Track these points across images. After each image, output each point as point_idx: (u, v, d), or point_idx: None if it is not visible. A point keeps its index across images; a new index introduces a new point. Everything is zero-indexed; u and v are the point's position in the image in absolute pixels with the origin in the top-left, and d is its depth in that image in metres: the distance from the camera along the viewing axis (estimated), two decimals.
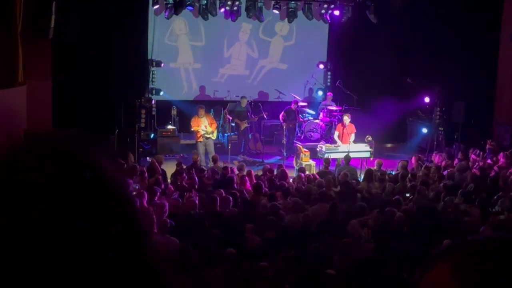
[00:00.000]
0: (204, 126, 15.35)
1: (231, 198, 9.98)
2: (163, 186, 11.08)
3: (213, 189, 10.99)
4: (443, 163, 13.80)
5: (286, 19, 18.50)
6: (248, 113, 16.89)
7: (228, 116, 16.79)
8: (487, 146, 14.78)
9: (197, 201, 9.87)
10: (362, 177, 13.16)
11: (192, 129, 15.54)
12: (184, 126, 17.63)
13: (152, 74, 17.56)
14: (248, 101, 17.22)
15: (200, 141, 15.32)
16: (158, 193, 10.30)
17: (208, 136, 15.36)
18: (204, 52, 18.82)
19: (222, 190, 10.57)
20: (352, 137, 15.26)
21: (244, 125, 16.71)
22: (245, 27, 19.01)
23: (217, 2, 17.43)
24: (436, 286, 0.95)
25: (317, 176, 12.59)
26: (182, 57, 18.72)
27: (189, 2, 17.05)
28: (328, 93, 18.47)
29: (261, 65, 19.47)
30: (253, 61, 19.31)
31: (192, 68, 18.85)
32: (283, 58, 19.50)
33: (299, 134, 17.36)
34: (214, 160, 13.71)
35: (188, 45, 18.72)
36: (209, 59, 18.87)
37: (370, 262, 7.31)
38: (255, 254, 7.67)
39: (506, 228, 8.17)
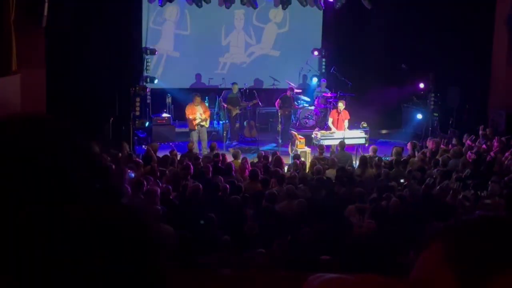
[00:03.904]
0: (200, 114, 15.38)
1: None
2: (158, 174, 11.08)
3: (212, 176, 11.01)
4: (437, 148, 13.83)
5: (280, 6, 18.43)
6: (240, 100, 16.88)
7: (223, 104, 16.80)
8: (480, 132, 14.82)
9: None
10: (357, 163, 13.20)
11: (188, 117, 15.52)
12: (179, 114, 17.61)
13: (147, 62, 17.51)
14: (242, 88, 17.21)
15: (195, 129, 15.34)
16: (151, 181, 10.30)
17: (202, 124, 15.39)
18: (201, 40, 18.75)
19: (221, 177, 10.61)
20: (346, 123, 15.28)
21: (235, 111, 16.70)
22: (239, 14, 18.95)
23: None
24: (429, 266, 0.96)
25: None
26: (162, 42, 18.61)
27: None
28: (323, 80, 18.45)
29: (252, 50, 19.43)
30: (250, 48, 19.27)
31: (170, 55, 18.76)
32: (276, 45, 19.46)
33: (294, 121, 17.37)
34: (212, 148, 13.72)
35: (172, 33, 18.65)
36: (208, 47, 18.82)
37: (365, 247, 7.34)
38: (252, 241, 7.70)
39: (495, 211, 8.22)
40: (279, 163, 12.50)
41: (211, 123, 16.35)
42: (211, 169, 11.38)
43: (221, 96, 17.12)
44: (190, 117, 15.39)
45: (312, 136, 15.23)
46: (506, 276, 0.91)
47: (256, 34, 19.28)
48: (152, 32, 17.98)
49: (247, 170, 11.98)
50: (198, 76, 18.84)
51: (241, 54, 19.22)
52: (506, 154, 12.58)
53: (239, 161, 12.67)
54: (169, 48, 18.53)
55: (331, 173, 11.64)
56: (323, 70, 19.44)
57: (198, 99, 15.56)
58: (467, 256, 0.93)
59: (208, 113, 15.72)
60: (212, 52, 18.81)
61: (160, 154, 13.16)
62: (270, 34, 19.43)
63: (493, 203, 8.98)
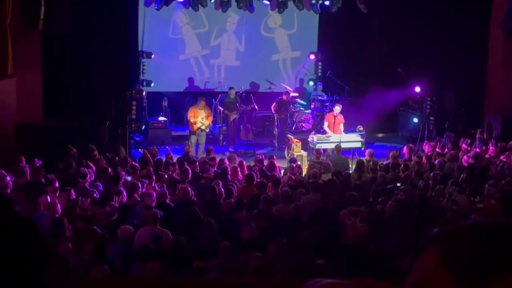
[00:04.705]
0: (201, 118, 15.35)
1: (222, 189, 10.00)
2: (154, 177, 11.08)
3: (211, 180, 11.01)
4: (433, 152, 13.84)
5: (276, 10, 18.46)
6: (237, 104, 16.88)
7: (219, 107, 16.79)
8: (477, 135, 14.84)
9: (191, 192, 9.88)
10: (354, 167, 13.19)
11: (189, 119, 15.50)
12: (176, 117, 17.60)
13: (143, 65, 17.52)
14: (238, 92, 17.21)
15: (195, 132, 15.32)
16: (145, 184, 10.32)
17: (203, 128, 15.37)
18: (208, 39, 18.86)
19: (220, 181, 10.60)
20: (341, 127, 15.29)
21: (233, 116, 16.70)
22: (235, 19, 18.99)
23: None
24: (427, 269, 0.97)
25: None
26: (189, 47, 18.71)
27: None
28: (319, 83, 18.47)
29: (282, 57, 19.49)
30: (242, 53, 19.28)
31: (201, 55, 18.86)
32: (293, 47, 19.53)
33: (290, 125, 17.37)
34: (208, 152, 13.72)
35: (193, 34, 18.73)
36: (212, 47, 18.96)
37: (361, 250, 7.35)
38: (248, 244, 7.70)
39: (492, 216, 8.23)
40: (272, 167, 12.48)
41: None
42: (212, 175, 11.40)
43: (217, 100, 17.11)
44: (192, 120, 15.37)
45: (309, 139, 15.23)
46: (503, 280, 0.91)
47: (267, 43, 19.33)
48: (177, 41, 18.05)
49: (239, 174, 11.97)
50: (191, 79, 18.82)
51: (233, 57, 19.26)
52: (502, 157, 12.61)
53: (234, 164, 12.66)
54: (198, 48, 18.62)
55: (326, 177, 11.64)
56: (319, 74, 19.47)
57: (202, 102, 15.56)
58: (465, 259, 0.93)
59: (210, 118, 15.69)
60: (216, 56, 18.92)
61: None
62: (282, 39, 19.48)
63: (489, 207, 8.98)
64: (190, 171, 11.22)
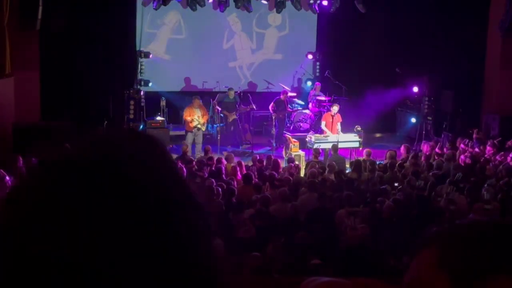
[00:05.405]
0: (197, 116, 15.35)
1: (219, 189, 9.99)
2: None
3: (205, 180, 10.99)
4: (431, 152, 13.86)
5: (275, 9, 18.45)
6: (237, 105, 16.85)
7: (217, 107, 16.77)
8: (474, 135, 14.85)
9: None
10: (351, 167, 13.19)
11: (185, 118, 15.48)
12: (173, 117, 17.57)
13: (141, 65, 17.49)
14: (236, 92, 17.18)
15: (191, 131, 15.31)
16: None
17: (199, 127, 15.37)
18: (201, 43, 18.74)
19: (213, 180, 10.58)
20: (339, 126, 15.29)
21: (232, 116, 16.67)
22: (236, 19, 18.95)
23: None
24: (423, 270, 0.96)
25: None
26: (153, 44, 18.59)
27: None
28: (317, 83, 18.45)
29: (256, 56, 19.46)
30: (253, 51, 19.29)
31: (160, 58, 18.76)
32: (278, 49, 19.49)
33: (288, 125, 17.36)
34: (206, 151, 13.71)
35: (166, 36, 18.63)
36: (209, 51, 18.81)
37: (358, 250, 7.35)
38: (246, 244, 7.69)
39: (491, 216, 8.23)
40: (276, 166, 12.45)
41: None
42: (206, 174, 11.37)
43: (215, 99, 17.09)
44: (188, 118, 15.36)
45: (306, 139, 15.23)
46: (501, 279, 0.91)
47: (257, 39, 19.29)
48: (146, 35, 17.97)
49: (239, 173, 11.96)
50: (188, 79, 18.75)
51: (249, 56, 19.27)
52: (497, 157, 12.63)
53: (232, 164, 12.65)
54: (161, 51, 18.52)
55: (330, 177, 11.63)
56: (318, 74, 19.45)
57: (197, 101, 15.55)
58: (461, 259, 0.93)
59: (206, 117, 15.69)
60: (214, 56, 18.80)
61: None
62: (271, 39, 19.44)
63: (487, 207, 8.99)
64: (184, 169, 11.19)
